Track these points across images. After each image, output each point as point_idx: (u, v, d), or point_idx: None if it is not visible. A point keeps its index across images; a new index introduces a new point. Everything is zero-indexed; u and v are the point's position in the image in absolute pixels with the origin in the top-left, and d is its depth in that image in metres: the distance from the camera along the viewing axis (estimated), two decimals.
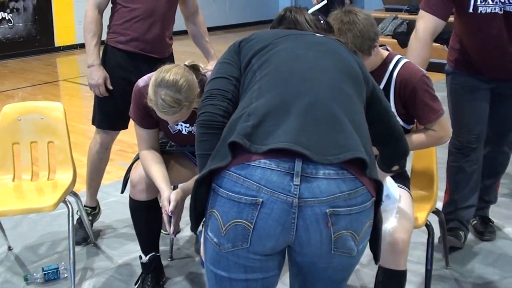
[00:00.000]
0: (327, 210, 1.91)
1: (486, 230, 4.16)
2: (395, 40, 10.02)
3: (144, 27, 3.84)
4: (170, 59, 3.96)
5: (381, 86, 2.92)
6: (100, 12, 3.83)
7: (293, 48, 2.24)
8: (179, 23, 4.27)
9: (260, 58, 2.23)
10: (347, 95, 2.10)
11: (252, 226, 1.93)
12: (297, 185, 1.90)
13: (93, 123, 4.05)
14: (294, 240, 1.96)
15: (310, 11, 2.52)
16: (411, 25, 9.83)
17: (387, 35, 10.59)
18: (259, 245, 1.96)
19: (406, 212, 2.83)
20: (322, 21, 2.51)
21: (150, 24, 3.85)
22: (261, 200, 1.91)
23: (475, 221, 4.20)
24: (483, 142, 3.82)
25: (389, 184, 2.76)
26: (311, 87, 2.07)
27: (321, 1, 2.53)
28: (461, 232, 3.92)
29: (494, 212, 4.36)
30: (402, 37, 9.49)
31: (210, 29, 4.35)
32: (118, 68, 3.87)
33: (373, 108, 2.28)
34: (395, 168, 2.53)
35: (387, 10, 11.98)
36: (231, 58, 2.34)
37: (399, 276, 2.76)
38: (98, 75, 3.81)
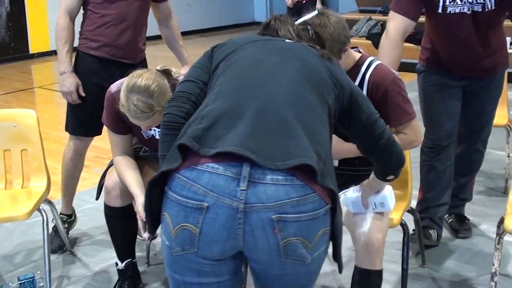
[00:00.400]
0: (274, 216, 1.90)
1: (462, 227, 4.18)
2: (369, 41, 10.06)
3: (116, 32, 3.83)
4: (142, 64, 3.95)
5: None
6: (72, 19, 3.82)
7: (257, 53, 2.25)
8: (154, 27, 4.27)
9: (226, 62, 2.24)
10: (306, 101, 2.09)
11: (198, 231, 1.94)
12: (243, 190, 1.90)
13: (66, 129, 4.03)
14: (243, 246, 1.95)
15: (299, 21, 2.55)
16: (385, 26, 9.84)
17: (362, 36, 10.62)
18: (206, 250, 1.97)
19: (381, 212, 2.84)
20: (310, 32, 2.51)
21: (122, 29, 3.84)
22: (206, 204, 1.92)
23: (450, 219, 4.23)
24: (455, 140, 3.85)
25: (388, 193, 2.73)
26: (267, 92, 2.07)
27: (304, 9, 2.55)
28: (431, 231, 3.94)
29: (470, 210, 4.38)
30: (377, 38, 9.49)
31: (185, 33, 4.36)
32: (90, 74, 3.86)
33: (354, 116, 2.27)
34: (390, 177, 2.51)
35: (361, 11, 12.04)
36: (202, 62, 2.36)
37: (375, 276, 2.77)
38: (70, 82, 3.79)
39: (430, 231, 3.94)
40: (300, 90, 2.10)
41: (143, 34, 4.04)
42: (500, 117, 4.76)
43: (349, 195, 2.81)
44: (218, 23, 15.85)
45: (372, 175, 2.63)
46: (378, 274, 2.77)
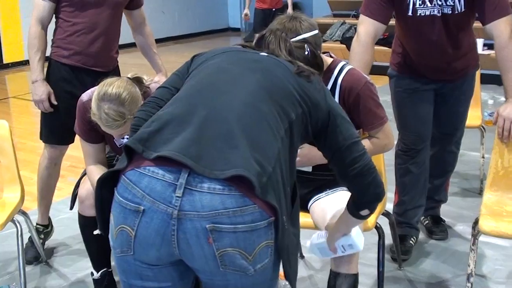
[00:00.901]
0: (208, 226, 1.88)
1: (438, 229, 4.20)
2: (343, 45, 10.09)
3: (87, 41, 3.82)
4: (115, 72, 3.93)
5: None
6: (44, 27, 3.80)
7: (223, 62, 2.24)
8: (129, 35, 4.27)
9: (197, 70, 2.26)
10: (259, 112, 2.04)
11: (133, 234, 1.95)
12: (178, 197, 1.89)
13: (40, 138, 4.01)
14: (179, 253, 1.95)
15: (297, 38, 2.55)
16: None
17: (336, 40, 10.66)
18: (142, 254, 1.97)
19: None
20: (307, 51, 2.48)
21: (93, 38, 3.83)
22: (143, 208, 1.92)
23: (426, 221, 4.25)
24: (429, 143, 3.87)
25: (354, 233, 2.57)
26: (221, 101, 2.06)
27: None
28: (411, 241, 3.96)
29: (446, 211, 4.41)
30: (351, 42, 9.49)
31: (159, 40, 4.36)
32: (62, 82, 3.85)
33: (330, 137, 2.22)
34: (364, 213, 2.33)
35: (335, 15, 12.09)
36: (181, 70, 2.38)
37: (351, 280, 2.76)
38: (42, 90, 3.77)
39: (410, 241, 3.96)
40: (255, 102, 2.07)
41: (116, 43, 4.03)
42: (473, 118, 4.80)
43: (315, 242, 2.72)
44: (192, 29, 15.85)
45: (341, 216, 2.52)
46: (354, 277, 2.77)
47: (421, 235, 4.15)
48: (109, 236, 2.06)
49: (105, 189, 2.08)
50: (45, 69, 3.90)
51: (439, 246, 4.09)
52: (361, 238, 2.60)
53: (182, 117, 2.03)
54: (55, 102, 3.82)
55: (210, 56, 2.30)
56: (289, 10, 9.55)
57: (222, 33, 15.98)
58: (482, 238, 3.78)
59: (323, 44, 10.52)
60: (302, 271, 3.78)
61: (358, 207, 2.33)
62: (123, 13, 4.04)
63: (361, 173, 2.21)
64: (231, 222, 1.88)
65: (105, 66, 3.91)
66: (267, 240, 1.95)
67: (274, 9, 9.73)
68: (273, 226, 1.95)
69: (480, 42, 8.42)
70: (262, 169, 1.93)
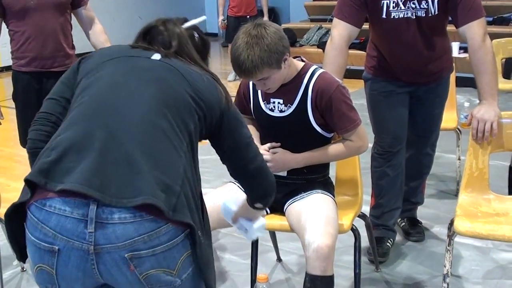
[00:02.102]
0: (126, 255, 1.87)
1: (415, 231, 4.22)
2: (320, 50, 10.12)
3: (39, 45, 4.00)
4: None
5: (298, 97, 2.98)
6: None
7: (115, 75, 2.15)
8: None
9: (87, 80, 2.16)
10: (159, 131, 2.00)
11: (54, 272, 1.92)
12: (91, 232, 1.85)
13: (21, 144, 4.11)
14: (104, 280, 1.93)
15: (185, 25, 2.40)
16: None
17: (313, 45, 10.71)
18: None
19: (330, 218, 2.86)
20: (196, 37, 2.40)
21: (43, 40, 4.01)
22: (57, 247, 1.88)
23: (403, 223, 4.27)
24: (405, 145, 3.88)
25: (256, 226, 2.65)
26: (118, 122, 2.00)
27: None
28: (388, 243, 3.98)
29: (423, 213, 4.44)
30: None
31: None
32: (26, 90, 4.03)
33: (224, 137, 2.23)
34: (258, 205, 2.44)
35: (311, 20, 12.14)
36: (67, 76, 2.28)
37: (327, 282, 2.78)
38: None
39: (387, 243, 3.97)
40: (154, 119, 2.02)
41: (69, 40, 4.17)
42: (449, 121, 4.83)
43: (228, 201, 2.74)
44: None
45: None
46: (330, 279, 2.79)
47: (398, 237, 4.16)
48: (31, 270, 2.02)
49: (14, 222, 2.01)
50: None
51: (415, 247, 4.11)
52: (259, 233, 2.69)
53: (81, 143, 1.96)
54: (2, 118, 3.99)
55: (100, 62, 2.19)
56: (265, 17, 9.37)
57: None
58: (459, 239, 3.82)
59: (300, 49, 10.62)
60: (279, 274, 3.79)
61: (252, 201, 2.44)
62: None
63: (255, 174, 2.29)
64: (148, 247, 1.88)
65: (63, 65, 4.06)
66: (187, 251, 1.98)
67: (248, 16, 9.30)
68: (189, 237, 1.97)
69: (456, 45, 8.48)
70: (170, 190, 1.92)
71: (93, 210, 1.85)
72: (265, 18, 9.06)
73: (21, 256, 2.09)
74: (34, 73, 4.02)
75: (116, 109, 2.03)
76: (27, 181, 1.95)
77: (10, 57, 4.10)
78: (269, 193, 2.37)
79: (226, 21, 9.69)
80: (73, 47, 4.20)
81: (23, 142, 4.03)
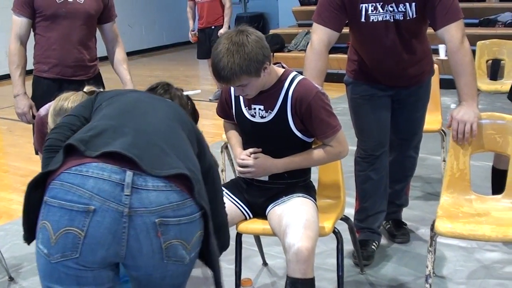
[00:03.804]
0: (156, 220, 2.04)
1: (399, 232, 4.24)
2: None
3: (63, 52, 4.05)
4: (96, 78, 4.16)
5: (278, 104, 3.01)
6: (23, 43, 4.06)
7: (139, 96, 2.49)
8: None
9: (110, 100, 2.40)
10: (177, 132, 2.29)
11: (83, 234, 1.99)
12: (127, 195, 2.02)
13: (36, 153, 4.08)
14: (125, 252, 2.04)
15: (184, 93, 2.84)
16: None
17: (301, 50, 10.73)
18: (89, 255, 2.02)
19: (310, 221, 2.88)
20: (189, 105, 2.82)
21: (68, 49, 4.06)
22: (93, 207, 1.99)
23: (388, 225, 4.29)
24: (388, 148, 3.90)
25: None
26: (145, 120, 2.26)
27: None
28: (373, 246, 3.99)
29: (408, 215, 4.46)
30: None
31: (127, 54, 4.44)
32: (46, 95, 3.99)
33: (206, 185, 2.34)
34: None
35: (299, 25, 12.17)
36: (86, 103, 2.52)
37: (307, 284, 2.80)
38: (24, 104, 4.02)
39: (372, 246, 3.99)
40: (173, 125, 2.31)
41: (92, 52, 4.23)
42: (434, 122, 4.87)
43: None
44: (159, 42, 15.88)
45: None
46: (310, 282, 2.81)
47: (383, 239, 4.19)
48: (40, 246, 2.06)
49: (35, 193, 2.10)
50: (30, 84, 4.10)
51: (400, 249, 4.13)
52: None
53: (116, 128, 2.18)
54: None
55: (122, 92, 2.51)
56: (223, 29, 8.89)
57: (188, 45, 15.97)
58: (443, 240, 3.88)
59: (289, 54, 10.66)
60: (265, 278, 3.82)
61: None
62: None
63: (219, 227, 2.44)
64: (175, 215, 2.07)
65: (84, 74, 4.13)
66: (200, 230, 2.17)
67: (213, 27, 9.08)
68: (202, 219, 2.17)
69: (442, 48, 8.51)
70: (195, 175, 2.15)
71: (130, 176, 2.03)
72: (224, 29, 8.74)
73: (29, 234, 2.16)
74: (55, 80, 4.07)
75: (141, 113, 2.31)
76: (65, 147, 2.10)
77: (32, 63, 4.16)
78: (226, 246, 2.59)
79: (196, 32, 9.35)
80: (95, 59, 4.26)
81: (40, 147, 4.03)
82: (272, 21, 14.86)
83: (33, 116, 3.97)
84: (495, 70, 7.38)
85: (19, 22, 4.01)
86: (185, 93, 2.85)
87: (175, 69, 12.41)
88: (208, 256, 2.26)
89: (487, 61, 6.90)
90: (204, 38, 9.19)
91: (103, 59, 4.35)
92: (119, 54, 4.35)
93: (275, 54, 10.77)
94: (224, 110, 3.24)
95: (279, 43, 11.21)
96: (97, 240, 2.00)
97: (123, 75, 4.31)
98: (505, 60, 6.74)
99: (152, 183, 2.05)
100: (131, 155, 2.04)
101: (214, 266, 2.28)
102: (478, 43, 6.87)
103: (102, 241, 2.01)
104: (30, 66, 4.14)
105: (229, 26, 8.95)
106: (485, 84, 6.56)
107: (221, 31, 8.71)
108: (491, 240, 3.15)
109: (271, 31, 12.23)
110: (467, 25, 10.59)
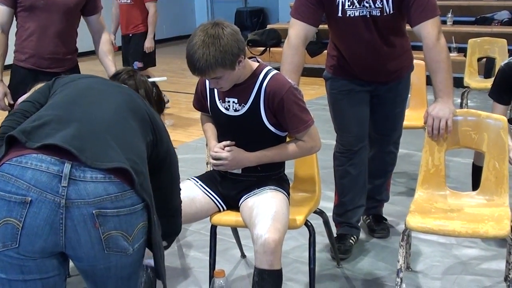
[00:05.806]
0: (94, 211, 2.05)
1: (379, 227, 4.27)
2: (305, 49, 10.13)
3: (39, 43, 4.06)
4: (73, 72, 4.07)
5: (251, 98, 3.03)
6: (4, 32, 4.06)
7: (92, 83, 2.47)
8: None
9: (64, 86, 2.42)
10: (127, 124, 2.28)
11: (21, 225, 2.02)
12: (64, 186, 2.04)
13: None
14: (64, 243, 2.06)
15: (150, 79, 2.81)
16: (319, 35, 10.02)
17: None
18: (27, 245, 2.05)
19: (279, 214, 2.91)
20: (155, 93, 2.76)
21: (44, 40, 4.05)
22: (30, 199, 2.02)
23: (368, 220, 4.31)
24: (367, 144, 3.93)
25: None
26: (93, 110, 2.26)
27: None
28: (351, 240, 4.02)
29: (390, 210, 4.48)
30: (311, 47, 9.61)
31: None
32: (21, 85, 3.99)
33: (161, 174, 2.42)
34: (164, 244, 2.54)
35: None
36: (43, 88, 2.53)
37: (274, 276, 2.83)
38: None
39: (350, 240, 4.01)
40: (122, 114, 2.30)
41: (71, 45, 4.23)
42: (420, 119, 4.84)
43: None
44: (160, 35, 15.83)
45: None
46: (277, 273, 2.84)
47: (363, 234, 4.22)
48: None
49: None
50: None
51: (379, 244, 4.16)
52: None
53: (61, 118, 2.20)
54: (11, 102, 3.99)
55: (77, 78, 2.50)
56: (147, 41, 7.91)
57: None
58: (422, 235, 3.91)
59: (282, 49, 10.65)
60: (242, 270, 3.84)
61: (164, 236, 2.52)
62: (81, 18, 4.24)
63: (172, 214, 2.57)
64: (114, 207, 2.08)
65: (60, 67, 4.12)
66: (143, 221, 2.18)
67: (131, 35, 7.96)
68: (146, 210, 2.19)
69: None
70: (138, 168, 2.17)
71: (68, 168, 2.05)
72: (148, 41, 7.88)
73: None
74: (30, 70, 4.09)
75: (91, 101, 2.31)
76: (7, 137, 2.12)
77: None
78: (175, 232, 2.67)
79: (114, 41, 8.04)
80: (73, 52, 4.27)
81: None
82: (272, 16, 14.87)
83: (9, 104, 4.01)
84: (489, 68, 7.40)
85: (1, 10, 4.01)
86: (150, 79, 2.84)
87: (172, 62, 12.41)
88: (151, 246, 2.27)
89: (478, 59, 6.92)
90: (123, 44, 8.18)
91: (92, 52, 4.38)
92: (104, 46, 4.35)
93: (271, 49, 10.80)
94: (200, 102, 3.27)
95: (275, 38, 11.23)
96: (34, 230, 2.03)
97: (108, 66, 4.31)
98: (497, 58, 6.75)
99: (90, 174, 2.06)
100: (70, 147, 2.06)
101: (156, 256, 2.29)
102: (470, 41, 6.88)
103: (40, 232, 2.03)
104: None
105: (154, 36, 8.10)
106: (475, 82, 6.58)
107: (146, 43, 7.94)
108: (461, 236, 3.18)
109: (269, 26, 12.25)
110: (464, 23, 10.61)
